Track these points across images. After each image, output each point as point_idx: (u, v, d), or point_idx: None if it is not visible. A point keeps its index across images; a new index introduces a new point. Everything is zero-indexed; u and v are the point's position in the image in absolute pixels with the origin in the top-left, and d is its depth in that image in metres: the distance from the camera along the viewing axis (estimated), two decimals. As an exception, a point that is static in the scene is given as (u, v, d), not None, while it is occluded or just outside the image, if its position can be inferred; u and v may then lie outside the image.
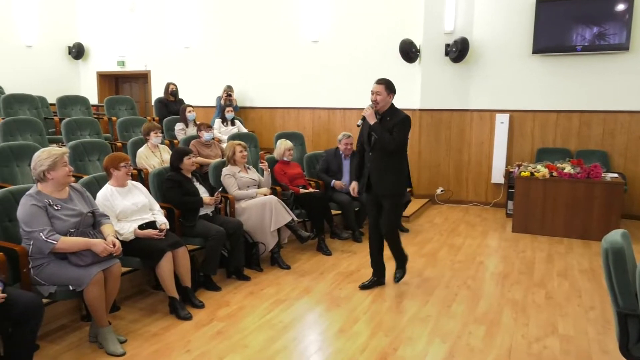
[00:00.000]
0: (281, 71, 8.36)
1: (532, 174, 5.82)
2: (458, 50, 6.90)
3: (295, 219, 4.64)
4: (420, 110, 7.35)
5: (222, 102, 7.82)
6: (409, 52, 7.14)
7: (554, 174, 5.74)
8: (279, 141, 5.44)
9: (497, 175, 7.16)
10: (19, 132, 5.17)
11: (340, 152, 5.70)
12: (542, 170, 5.78)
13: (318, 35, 8.00)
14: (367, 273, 4.43)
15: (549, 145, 6.91)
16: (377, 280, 4.14)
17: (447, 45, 7.08)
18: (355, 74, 7.70)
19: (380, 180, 3.81)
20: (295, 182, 5.26)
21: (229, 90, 8.01)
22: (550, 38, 6.60)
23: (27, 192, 2.89)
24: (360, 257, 4.92)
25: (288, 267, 4.55)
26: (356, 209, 5.49)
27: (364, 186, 3.93)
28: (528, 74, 6.86)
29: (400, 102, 7.38)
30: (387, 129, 3.71)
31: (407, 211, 6.20)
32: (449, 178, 7.49)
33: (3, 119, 5.43)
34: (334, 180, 5.52)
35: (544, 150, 6.85)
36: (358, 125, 3.86)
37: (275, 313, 3.59)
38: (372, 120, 3.70)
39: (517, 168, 6.16)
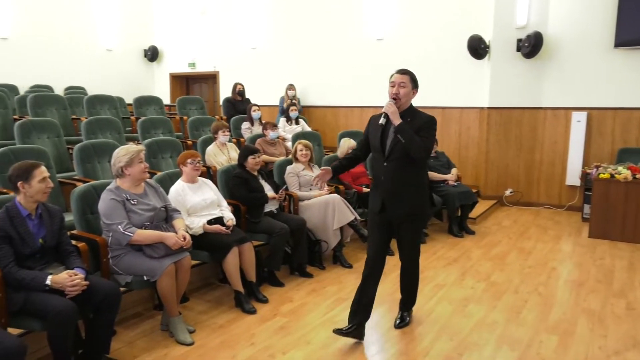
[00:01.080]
0: (345, 70, 8.36)
1: (612, 175, 5.43)
2: (531, 45, 6.58)
3: (358, 218, 4.62)
4: (488, 108, 7.09)
5: (285, 104, 7.95)
6: (477, 48, 6.90)
7: (638, 176, 5.33)
8: (343, 140, 5.45)
9: (573, 177, 6.76)
10: (100, 131, 5.52)
11: None
12: (623, 172, 5.39)
13: (383, 33, 7.93)
14: (430, 276, 4.34)
15: (632, 145, 6.42)
16: (357, 328, 3.10)
17: (519, 41, 6.77)
18: (420, 72, 7.45)
19: (400, 198, 3.04)
20: (358, 181, 5.24)
21: (290, 88, 8.10)
22: (635, 30, 6.12)
23: (108, 187, 3.09)
24: (424, 257, 4.77)
25: (350, 266, 4.55)
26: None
27: (378, 205, 3.10)
28: (609, 69, 6.41)
29: (467, 100, 7.28)
30: None
31: (474, 213, 6.00)
32: (518, 179, 7.17)
33: (86, 118, 5.83)
34: None
35: (625, 151, 6.37)
36: (381, 124, 3.00)
37: (337, 311, 3.60)
38: (397, 120, 2.94)
39: (595, 169, 5.79)
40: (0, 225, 2.49)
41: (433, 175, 5.74)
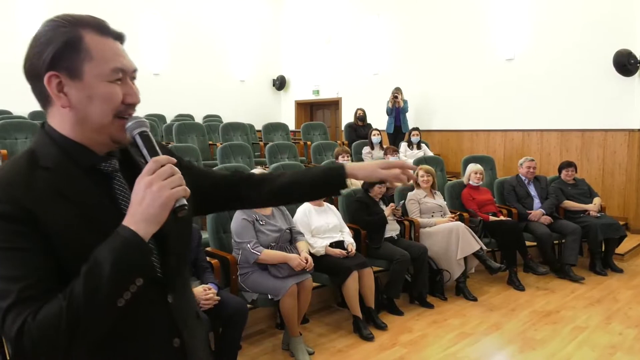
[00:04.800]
0: (470, 92, 8.05)
1: None
2: (693, 58, 5.74)
3: (484, 248, 4.35)
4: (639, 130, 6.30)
5: (390, 104, 7.84)
6: (625, 64, 6.21)
7: None
8: (469, 165, 5.21)
9: None
10: (233, 155, 5.97)
11: (523, 177, 5.31)
12: None
13: (513, 53, 7.51)
14: (569, 316, 3.91)
15: None
16: None
17: (678, 53, 5.96)
18: (555, 92, 6.99)
19: None
20: (484, 209, 4.95)
21: (396, 92, 7.94)
22: None
23: (239, 208, 3.29)
24: (561, 296, 4.36)
25: (474, 299, 4.27)
26: (555, 242, 4.95)
27: None
28: None
29: (612, 121, 6.58)
30: None
31: (621, 248, 5.30)
32: (678, 211, 6.21)
33: (221, 144, 6.34)
34: (531, 212, 5.06)
35: None
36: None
37: (460, 346, 3.38)
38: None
39: None
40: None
41: (571, 204, 5.24)
